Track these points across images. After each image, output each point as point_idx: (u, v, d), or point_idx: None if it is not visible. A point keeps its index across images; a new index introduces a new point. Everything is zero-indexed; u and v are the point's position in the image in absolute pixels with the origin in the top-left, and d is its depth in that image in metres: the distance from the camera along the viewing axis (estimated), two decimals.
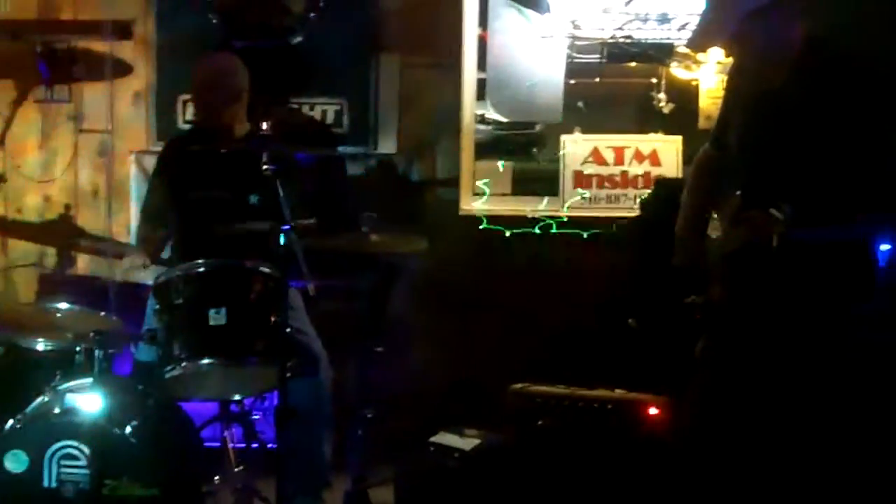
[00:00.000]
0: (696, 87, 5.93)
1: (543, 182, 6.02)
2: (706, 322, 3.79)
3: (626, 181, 5.81)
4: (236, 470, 4.48)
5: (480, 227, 5.84)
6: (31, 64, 5.77)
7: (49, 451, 4.16)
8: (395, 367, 5.32)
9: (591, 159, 5.84)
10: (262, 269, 4.32)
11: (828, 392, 3.58)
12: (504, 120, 6.05)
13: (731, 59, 5.32)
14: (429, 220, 5.83)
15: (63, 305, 4.79)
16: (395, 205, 5.62)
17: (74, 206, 5.92)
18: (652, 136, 5.94)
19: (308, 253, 4.14)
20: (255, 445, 4.56)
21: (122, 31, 5.76)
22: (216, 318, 4.22)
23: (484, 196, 5.95)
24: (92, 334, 4.43)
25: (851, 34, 4.12)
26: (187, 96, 5.65)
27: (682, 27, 5.79)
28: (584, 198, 5.82)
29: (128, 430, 4.21)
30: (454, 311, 5.81)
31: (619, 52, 5.96)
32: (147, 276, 4.72)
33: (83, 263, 5.90)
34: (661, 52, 5.93)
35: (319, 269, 4.19)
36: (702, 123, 5.88)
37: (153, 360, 4.40)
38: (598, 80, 5.97)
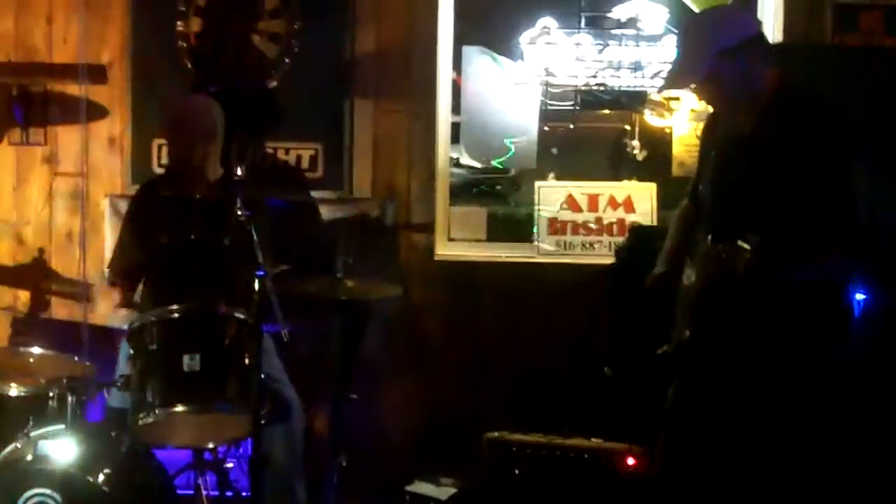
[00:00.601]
0: (670, 134, 5.99)
1: (518, 227, 6.03)
2: (675, 371, 3.79)
3: (601, 228, 5.81)
4: None
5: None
6: (6, 107, 5.78)
7: (21, 499, 4.13)
8: (369, 413, 5.31)
9: (565, 205, 5.84)
10: (236, 314, 4.28)
11: (798, 437, 3.60)
12: (478, 165, 6.07)
13: (703, 107, 5.46)
14: (403, 264, 5.81)
15: (36, 350, 4.79)
16: (370, 250, 5.59)
17: (48, 249, 5.88)
18: (626, 182, 5.96)
19: (281, 298, 4.11)
20: (229, 494, 4.49)
21: (98, 74, 5.72)
22: (190, 364, 4.17)
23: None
24: (65, 380, 4.40)
25: (816, 82, 4.19)
26: (162, 140, 5.63)
27: (655, 75, 5.82)
28: (558, 244, 5.81)
29: (100, 478, 4.20)
30: (429, 358, 5.78)
31: (592, 100, 6.01)
32: (121, 321, 4.69)
33: (57, 307, 5.84)
34: (635, 100, 5.99)
35: (293, 314, 4.17)
36: (675, 170, 5.94)
37: (126, 407, 4.34)
38: (571, 126, 5.99)
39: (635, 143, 6.07)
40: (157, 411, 4.18)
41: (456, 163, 6.07)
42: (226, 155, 5.08)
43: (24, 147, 5.88)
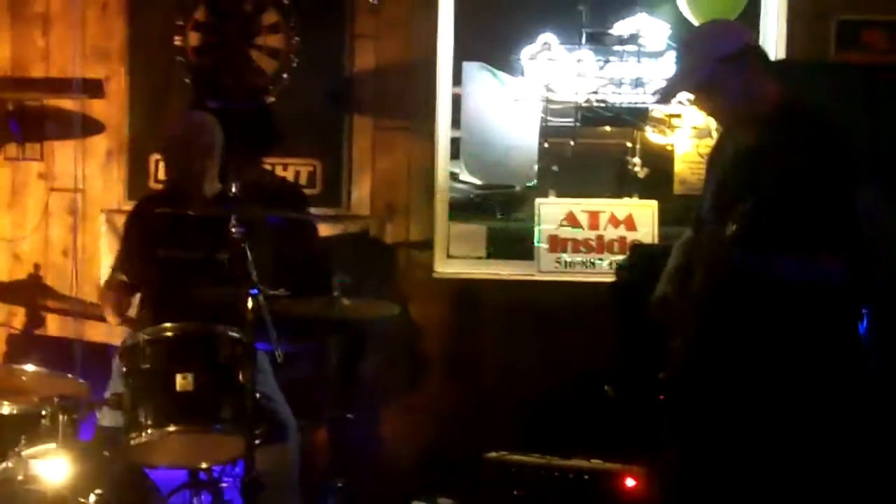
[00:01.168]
0: (672, 151, 5.94)
1: (518, 244, 5.98)
2: (671, 399, 3.76)
3: (602, 246, 5.76)
4: None
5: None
6: (1, 122, 5.75)
7: None
8: (367, 433, 5.28)
9: (565, 223, 5.79)
10: (230, 333, 4.24)
11: (799, 459, 3.55)
12: (478, 182, 6.04)
13: (706, 123, 5.42)
14: (402, 282, 5.76)
15: (29, 367, 4.73)
16: (368, 267, 5.56)
17: (44, 265, 5.85)
18: (627, 200, 5.91)
19: (277, 317, 4.09)
20: None
21: (94, 89, 5.70)
22: (183, 383, 4.14)
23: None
24: (55, 399, 4.36)
25: (818, 99, 4.16)
26: (159, 156, 5.59)
27: (657, 92, 5.78)
28: (559, 262, 5.76)
29: (91, 498, 4.14)
30: (427, 377, 5.73)
31: (593, 116, 5.97)
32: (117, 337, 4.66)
33: (53, 323, 5.81)
34: (636, 117, 5.94)
35: (289, 334, 4.14)
36: (677, 188, 5.89)
37: (117, 425, 4.31)
38: (572, 143, 5.95)
39: (636, 160, 6.03)
40: (149, 431, 4.15)
41: (456, 179, 6.03)
42: (224, 171, 5.06)
43: (21, 162, 5.83)
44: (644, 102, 5.89)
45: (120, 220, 5.48)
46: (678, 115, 5.93)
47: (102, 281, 5.40)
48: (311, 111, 5.76)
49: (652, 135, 6.00)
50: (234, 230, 4.05)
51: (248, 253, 4.03)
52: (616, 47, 5.87)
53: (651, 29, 5.89)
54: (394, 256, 5.78)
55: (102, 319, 5.45)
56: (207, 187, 4.90)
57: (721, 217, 3.53)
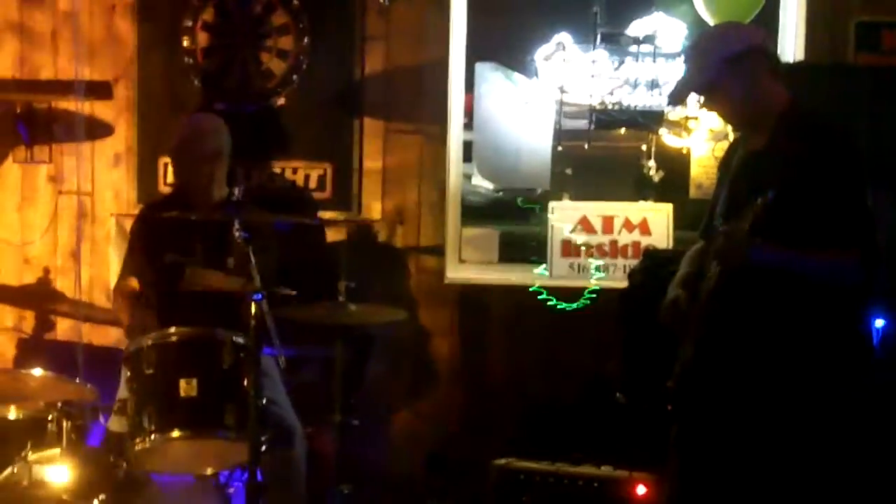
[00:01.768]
0: (687, 154, 5.87)
1: (531, 249, 5.91)
2: (677, 408, 3.72)
3: (616, 250, 5.70)
4: None
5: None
6: (10, 124, 5.72)
7: None
8: (375, 439, 5.23)
9: (579, 227, 5.72)
10: (234, 338, 4.19)
11: (808, 468, 3.51)
12: (491, 186, 5.97)
13: (722, 126, 5.35)
14: (413, 288, 5.72)
15: (37, 372, 4.72)
16: (378, 272, 5.52)
17: (54, 269, 5.83)
18: (642, 203, 5.84)
19: (284, 322, 4.05)
20: None
21: (103, 90, 5.68)
22: (187, 388, 4.11)
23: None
24: (59, 404, 4.34)
25: (831, 102, 4.12)
26: (168, 158, 5.54)
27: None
28: (571, 267, 5.70)
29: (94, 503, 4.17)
30: (436, 383, 5.70)
31: (607, 119, 5.89)
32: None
33: (62, 327, 5.78)
34: (651, 119, 5.86)
35: (295, 339, 4.09)
36: (693, 192, 5.82)
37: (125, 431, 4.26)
38: (586, 146, 5.88)
39: (651, 163, 5.95)
40: (153, 437, 4.12)
41: (470, 183, 5.96)
42: (232, 175, 5.02)
43: (29, 165, 5.81)
44: (660, 105, 5.80)
45: (130, 223, 5.44)
46: (695, 118, 5.85)
47: (112, 286, 5.36)
48: (320, 113, 5.72)
49: (668, 137, 5.92)
50: (237, 234, 4.00)
51: (252, 257, 3.97)
52: (631, 48, 5.79)
53: (667, 29, 5.80)
54: (404, 262, 5.74)
55: (113, 324, 5.46)
56: (216, 191, 4.86)
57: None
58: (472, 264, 5.86)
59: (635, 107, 5.86)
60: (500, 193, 6.42)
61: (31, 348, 5.73)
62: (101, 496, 4.19)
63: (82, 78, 5.64)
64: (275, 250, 4.61)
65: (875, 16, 5.55)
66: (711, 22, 5.51)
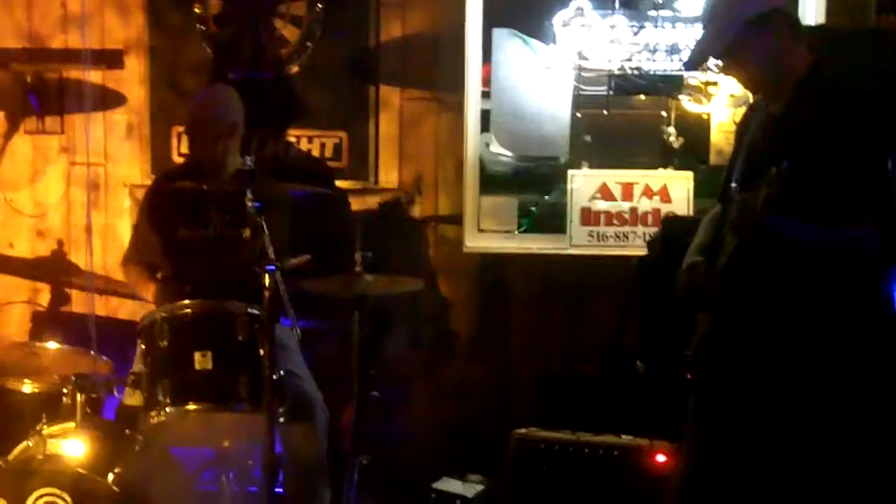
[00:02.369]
0: (708, 120, 5.80)
1: (551, 218, 5.86)
2: (695, 377, 3.67)
3: (636, 218, 5.64)
4: None
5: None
6: (21, 95, 5.67)
7: (31, 499, 4.20)
8: (395, 410, 5.21)
9: (599, 195, 5.66)
10: (249, 310, 4.16)
11: (826, 439, 3.46)
12: (510, 154, 5.90)
13: (743, 92, 5.27)
14: (431, 257, 5.68)
15: (52, 345, 4.77)
16: (396, 242, 5.49)
17: (67, 240, 5.80)
18: (662, 171, 5.77)
19: (301, 294, 4.03)
20: (252, 489, 4.35)
21: (114, 59, 5.62)
22: (202, 361, 4.08)
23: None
24: (74, 378, 4.36)
25: (853, 66, 4.04)
26: (182, 128, 5.49)
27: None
28: (591, 235, 5.64)
29: (110, 477, 4.23)
30: (456, 353, 5.67)
31: (626, 84, 5.81)
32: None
33: (78, 300, 5.75)
34: (671, 85, 5.78)
35: (313, 311, 4.06)
36: (713, 158, 5.75)
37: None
38: (605, 112, 5.81)
39: (671, 129, 5.87)
40: (168, 410, 4.11)
41: (489, 151, 5.89)
42: (246, 145, 4.98)
43: (41, 136, 5.75)
44: (679, 70, 5.73)
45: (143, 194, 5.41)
46: (714, 83, 5.78)
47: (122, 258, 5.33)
48: (336, 81, 5.67)
49: (688, 103, 5.84)
50: (249, 205, 3.95)
51: (265, 228, 3.92)
52: (651, 12, 5.72)
53: None
54: (422, 231, 5.70)
55: (128, 296, 5.43)
56: (230, 162, 4.81)
57: (750, 187, 3.43)
58: (491, 233, 5.79)
59: (655, 72, 5.78)
60: (522, 163, 6.33)
61: (47, 322, 5.69)
62: (116, 469, 4.24)
63: (93, 47, 5.57)
64: (288, 221, 4.57)
65: None
66: None
